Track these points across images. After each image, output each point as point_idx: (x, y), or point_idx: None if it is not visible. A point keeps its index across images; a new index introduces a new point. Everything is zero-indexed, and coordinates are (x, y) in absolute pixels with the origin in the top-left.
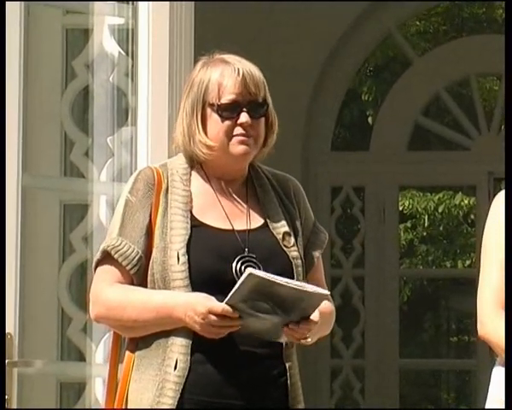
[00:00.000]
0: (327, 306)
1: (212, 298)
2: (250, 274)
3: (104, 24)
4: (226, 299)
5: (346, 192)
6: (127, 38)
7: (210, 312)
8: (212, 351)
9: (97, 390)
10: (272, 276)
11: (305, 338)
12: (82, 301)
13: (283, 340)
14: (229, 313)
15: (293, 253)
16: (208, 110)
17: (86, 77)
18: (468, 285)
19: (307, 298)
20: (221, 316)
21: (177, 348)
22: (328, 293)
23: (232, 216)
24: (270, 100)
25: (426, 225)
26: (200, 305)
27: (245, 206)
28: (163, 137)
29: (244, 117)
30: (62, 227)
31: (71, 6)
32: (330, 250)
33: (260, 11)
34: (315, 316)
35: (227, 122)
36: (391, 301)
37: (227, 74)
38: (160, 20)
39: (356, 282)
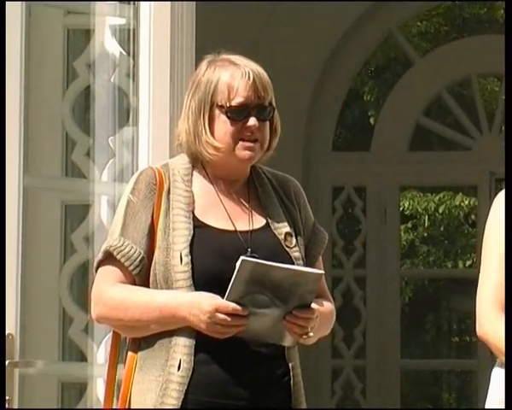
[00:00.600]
0: (327, 305)
1: (217, 297)
2: (243, 261)
3: (105, 24)
4: (225, 296)
5: (347, 192)
6: (128, 38)
7: (217, 310)
8: (215, 351)
9: (99, 391)
10: (264, 261)
11: (307, 333)
12: (83, 301)
13: (287, 343)
14: (237, 311)
15: (295, 253)
16: (216, 111)
17: (87, 77)
18: (470, 286)
19: (302, 281)
20: (227, 315)
21: (181, 348)
22: (323, 273)
23: (234, 217)
24: (274, 103)
25: (426, 225)
26: (206, 303)
27: (247, 206)
28: (164, 137)
29: (252, 120)
30: (63, 227)
31: (72, 6)
32: (331, 250)
33: (261, 11)
34: (313, 305)
35: (235, 124)
36: (392, 301)
37: (237, 77)
38: (162, 20)
39: (357, 282)
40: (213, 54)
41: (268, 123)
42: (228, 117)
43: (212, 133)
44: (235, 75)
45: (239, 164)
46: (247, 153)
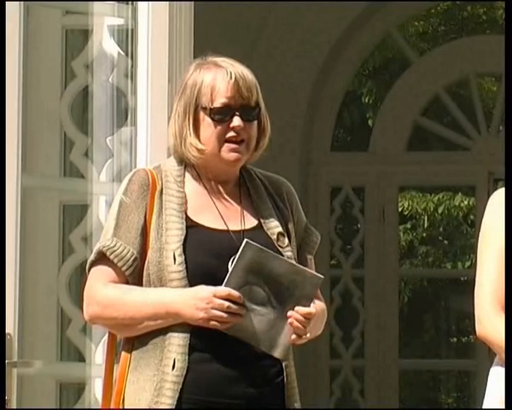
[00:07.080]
0: (318, 304)
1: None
2: (247, 243)
3: (104, 24)
4: (223, 283)
5: (345, 192)
6: (127, 38)
7: (215, 295)
8: (210, 350)
9: (97, 391)
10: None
11: (305, 333)
12: (81, 301)
13: (277, 354)
14: (234, 297)
15: (288, 253)
16: (201, 114)
17: (86, 77)
18: (468, 286)
19: (301, 281)
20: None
21: (175, 347)
22: (322, 277)
23: (226, 217)
24: (262, 103)
25: (426, 226)
26: (202, 290)
27: (238, 207)
28: (162, 137)
29: (237, 121)
30: (62, 227)
31: (70, 6)
32: (330, 251)
33: (259, 12)
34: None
35: (219, 126)
36: (391, 301)
37: (219, 78)
38: (160, 20)
39: (355, 282)
40: (201, 57)
41: (255, 123)
42: (212, 119)
43: (197, 136)
44: (217, 77)
45: (226, 166)
46: (232, 155)
